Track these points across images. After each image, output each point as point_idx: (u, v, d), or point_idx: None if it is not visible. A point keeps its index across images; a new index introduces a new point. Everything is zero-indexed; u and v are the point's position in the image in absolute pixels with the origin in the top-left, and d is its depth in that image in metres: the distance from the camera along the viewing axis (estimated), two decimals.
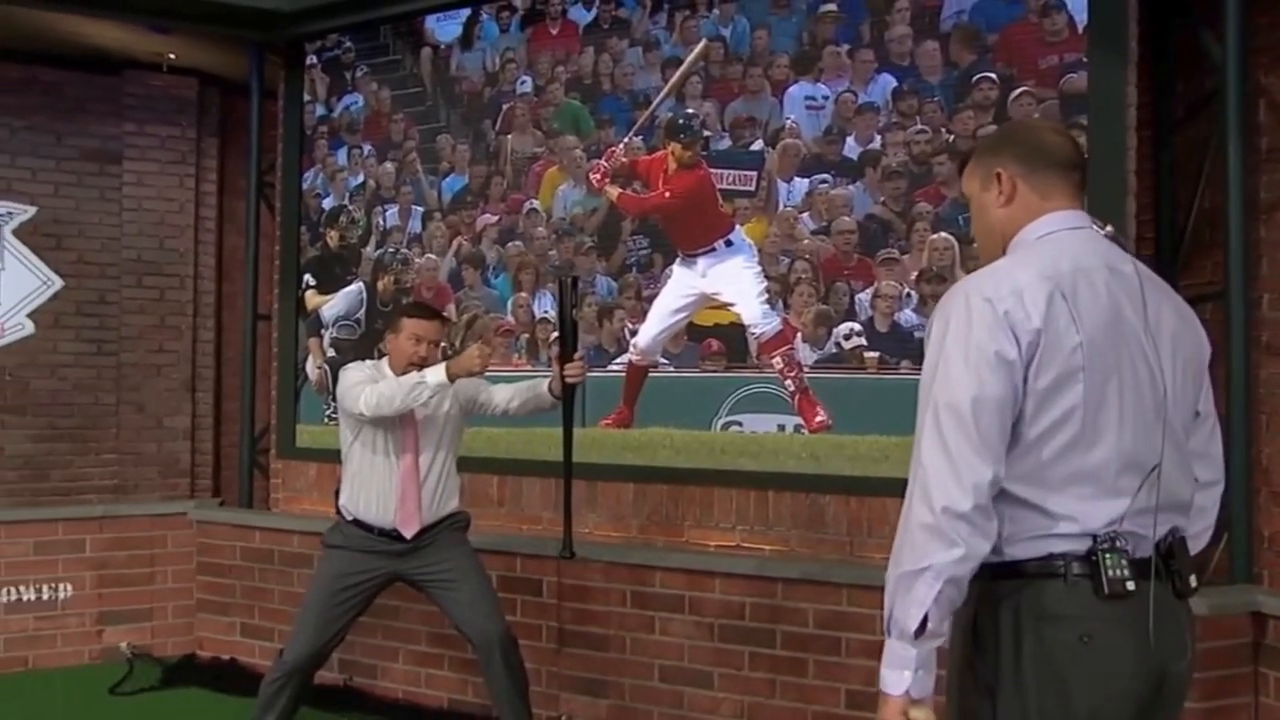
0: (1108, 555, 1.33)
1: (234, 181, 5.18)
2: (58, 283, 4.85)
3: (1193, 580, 1.42)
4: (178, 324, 5.01)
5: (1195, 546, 1.51)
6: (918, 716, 1.32)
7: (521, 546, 3.56)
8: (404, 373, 2.82)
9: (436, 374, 2.69)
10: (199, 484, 5.05)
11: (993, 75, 3.19)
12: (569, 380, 2.78)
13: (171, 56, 4.84)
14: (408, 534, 2.86)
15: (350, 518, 2.92)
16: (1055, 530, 1.35)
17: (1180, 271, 3.33)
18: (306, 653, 2.89)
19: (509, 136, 3.97)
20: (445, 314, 4.00)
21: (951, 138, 3.24)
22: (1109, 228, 1.49)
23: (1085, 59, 3.07)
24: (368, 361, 3.15)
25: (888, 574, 1.36)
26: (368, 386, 2.76)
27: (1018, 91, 3.15)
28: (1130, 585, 1.33)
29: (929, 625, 1.30)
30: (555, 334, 3.03)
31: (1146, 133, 3.40)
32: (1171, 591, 1.39)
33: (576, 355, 2.79)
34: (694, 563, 3.28)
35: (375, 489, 2.88)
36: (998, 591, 1.37)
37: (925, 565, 1.30)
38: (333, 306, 4.30)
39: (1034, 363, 1.33)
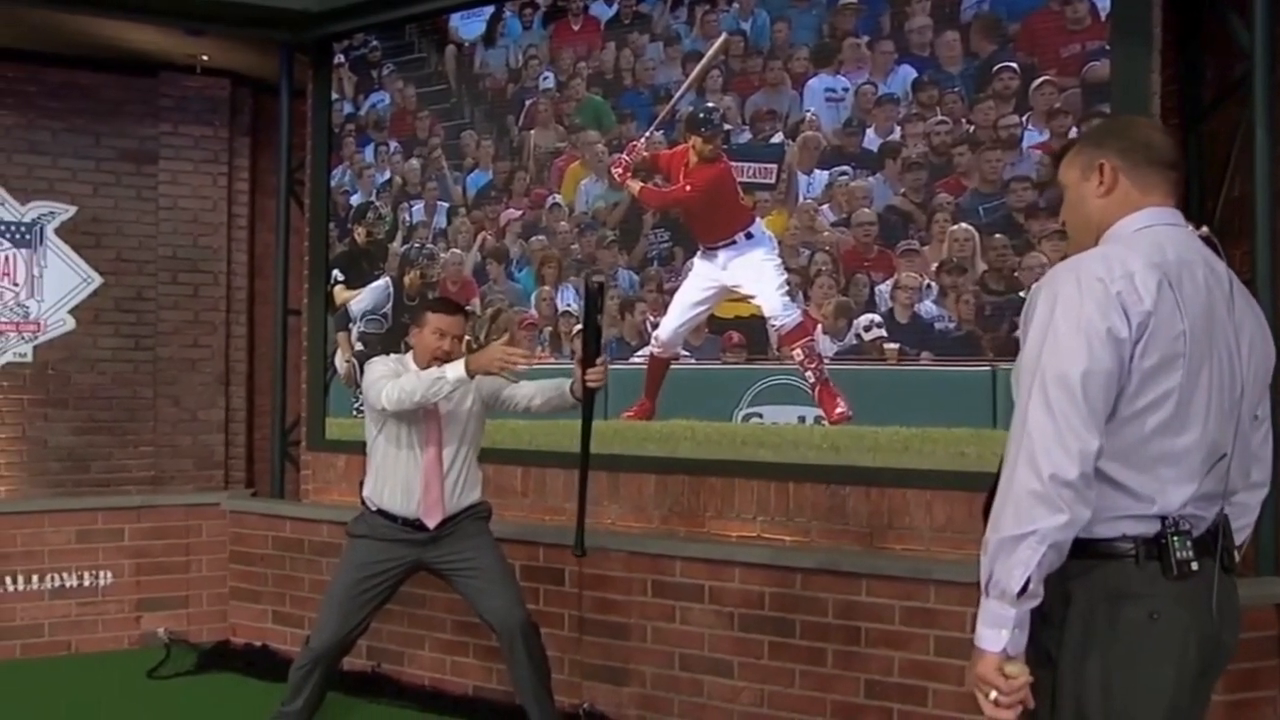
0: (1175, 538, 1.41)
1: (265, 180, 5.29)
2: (97, 280, 4.98)
3: (1237, 557, 1.51)
4: (211, 319, 5.13)
5: (1238, 540, 1.58)
6: (1012, 672, 1.38)
7: (544, 537, 3.61)
8: (427, 367, 2.88)
9: (456, 369, 2.74)
10: (233, 476, 5.17)
11: (1014, 65, 3.17)
12: (590, 385, 2.81)
13: (205, 58, 4.96)
14: (431, 524, 2.92)
15: (374, 508, 2.99)
16: (1135, 511, 1.42)
17: None
18: (331, 640, 2.96)
19: (532, 132, 4.01)
20: (469, 308, 4.08)
21: (972, 128, 3.23)
22: (1204, 228, 1.54)
23: (1108, 47, 3.05)
24: (392, 356, 3.21)
25: (986, 537, 1.42)
26: (390, 381, 2.82)
27: (1039, 81, 3.14)
28: (1194, 565, 1.41)
29: (1030, 586, 1.36)
30: (578, 336, 3.03)
31: (1174, 120, 3.37)
32: (1222, 568, 1.46)
33: (599, 360, 2.81)
34: (714, 552, 3.31)
35: (399, 480, 2.94)
36: (1069, 569, 1.42)
37: (1031, 530, 1.35)
38: (360, 301, 4.38)
39: (1141, 342, 1.39)
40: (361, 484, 3.09)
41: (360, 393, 4.31)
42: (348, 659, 3.89)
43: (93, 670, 3.99)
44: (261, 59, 4.92)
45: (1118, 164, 1.53)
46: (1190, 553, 1.41)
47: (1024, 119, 3.16)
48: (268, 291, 5.32)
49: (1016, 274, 3.15)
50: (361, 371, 4.30)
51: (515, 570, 3.56)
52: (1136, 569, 1.41)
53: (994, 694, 1.38)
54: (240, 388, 5.21)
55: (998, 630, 1.38)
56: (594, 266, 3.86)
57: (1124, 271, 1.40)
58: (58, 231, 4.93)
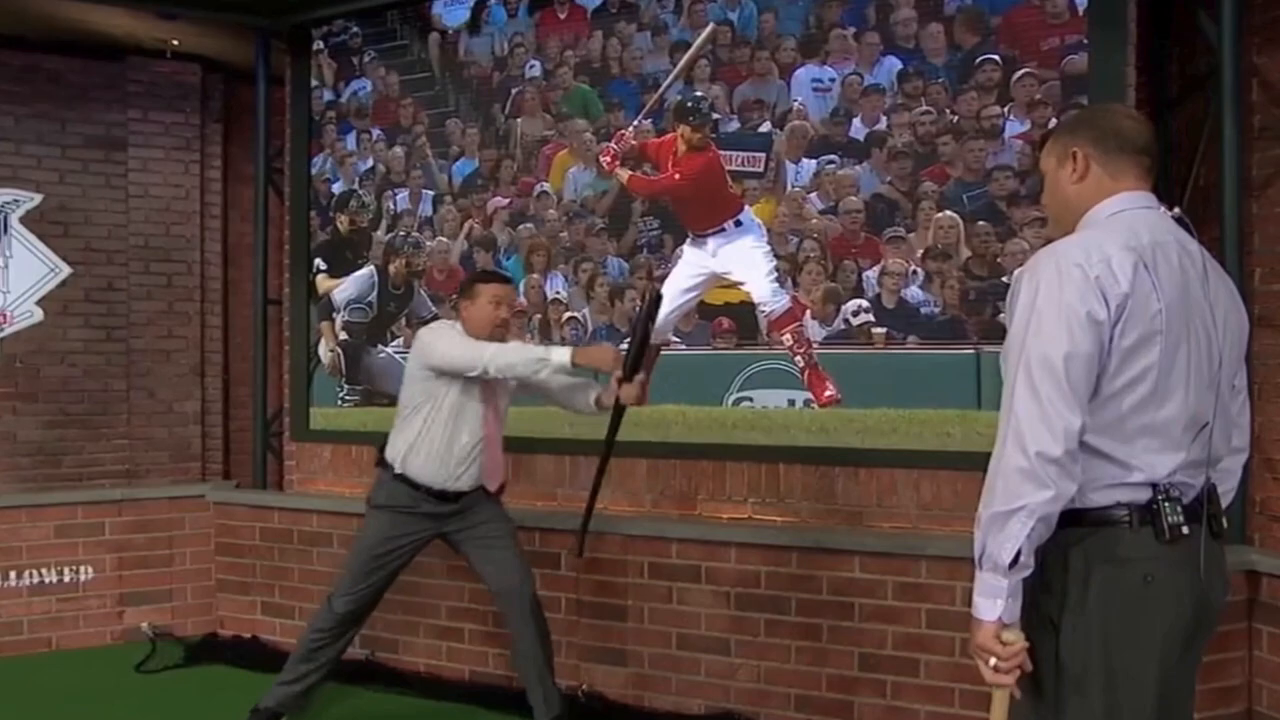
0: (1166, 504, 1.49)
1: (238, 168, 5.21)
2: (65, 270, 4.87)
3: (1224, 523, 1.59)
4: (185, 310, 5.05)
5: (1223, 503, 1.66)
6: (1009, 639, 1.47)
7: (539, 521, 3.64)
8: (490, 337, 2.94)
9: (562, 355, 2.76)
10: (210, 468, 5.11)
11: (996, 57, 3.27)
12: (624, 403, 2.80)
13: (175, 43, 4.86)
14: (492, 487, 3.03)
15: (398, 471, 2.98)
16: (1126, 480, 1.50)
17: None
18: (356, 600, 3.01)
19: (519, 120, 4.02)
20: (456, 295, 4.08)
21: (955, 119, 3.32)
22: (1176, 209, 1.62)
23: (1085, 41, 3.16)
24: (445, 322, 3.24)
25: (978, 513, 1.50)
26: (491, 347, 2.84)
27: (1020, 73, 3.24)
28: (1185, 530, 1.49)
29: (1020, 558, 1.44)
30: (625, 346, 2.85)
31: (1143, 111, 3.50)
32: (1210, 533, 1.54)
33: (637, 377, 2.76)
34: (710, 534, 3.38)
35: (436, 450, 2.96)
36: (1066, 537, 1.49)
37: (1020, 505, 1.43)
38: (344, 290, 4.36)
39: (1120, 323, 1.46)
40: (381, 448, 3.07)
41: (347, 381, 4.33)
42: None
43: (76, 666, 3.94)
44: (234, 44, 4.84)
45: (1090, 151, 1.60)
46: (1181, 518, 1.49)
47: (1006, 110, 3.26)
48: (242, 281, 5.26)
49: (999, 260, 3.26)
50: (349, 360, 4.32)
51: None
52: (1131, 534, 1.49)
53: (993, 661, 1.47)
54: (216, 379, 5.15)
55: (993, 600, 1.46)
56: (583, 254, 3.90)
57: (1101, 256, 1.47)
58: (23, 220, 4.81)
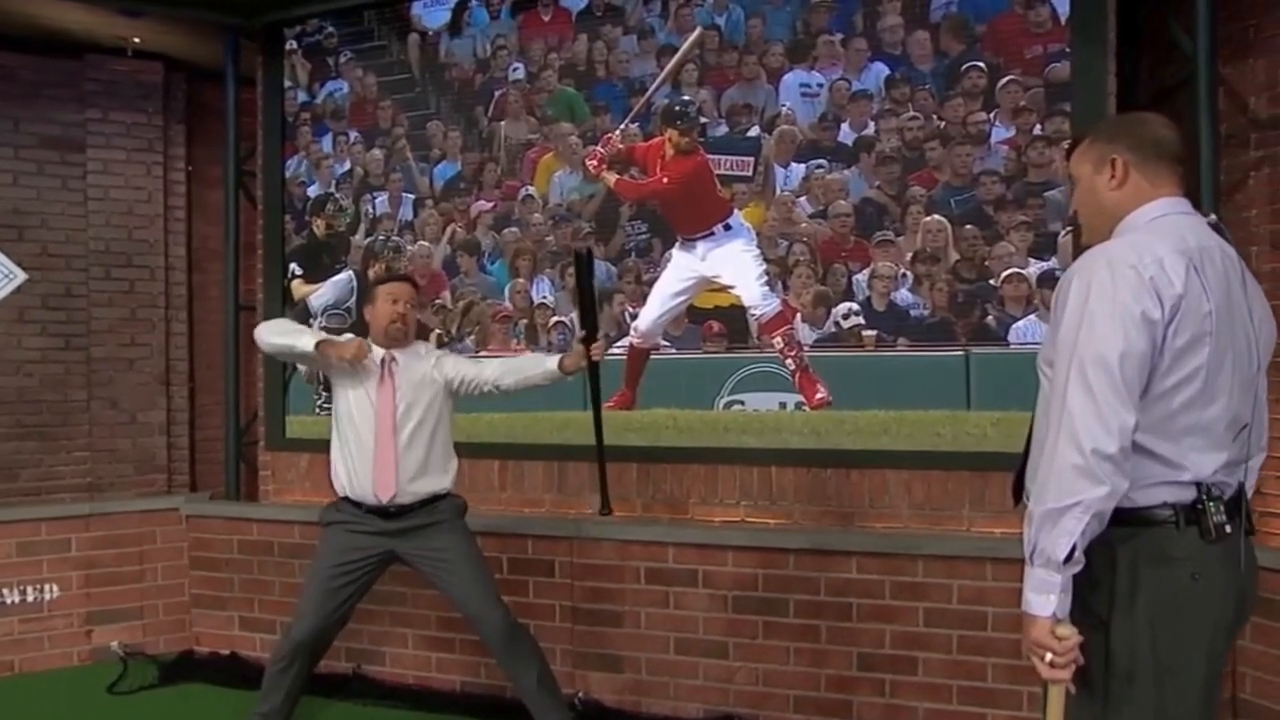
0: (1210, 503, 1.53)
1: (203, 170, 5.06)
2: (21, 276, 4.67)
3: (1253, 521, 1.65)
4: (149, 316, 4.88)
5: None
6: (1064, 633, 1.48)
7: (531, 529, 3.61)
8: (388, 333, 2.89)
9: (308, 341, 2.80)
10: (176, 480, 4.94)
11: (981, 64, 3.34)
12: (596, 359, 2.83)
13: (136, 40, 4.70)
14: (385, 498, 2.86)
15: (341, 494, 2.94)
16: (1173, 478, 1.53)
17: None
18: (311, 628, 2.90)
19: (502, 123, 3.98)
20: (439, 301, 4.04)
21: (942, 124, 3.38)
22: (1212, 216, 1.67)
23: (1068, 49, 3.24)
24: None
25: (1030, 509, 1.51)
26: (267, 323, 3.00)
27: (1005, 80, 3.31)
28: (1227, 529, 1.53)
29: (1074, 554, 1.46)
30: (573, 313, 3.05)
31: None
32: (1245, 530, 1.59)
33: (600, 333, 2.85)
34: (707, 537, 3.39)
35: (352, 461, 2.90)
36: (1113, 535, 1.52)
37: (1074, 501, 1.45)
38: (321, 295, 4.26)
39: (1174, 324, 1.49)
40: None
41: (325, 389, 4.24)
42: (326, 661, 3.82)
43: (43, 690, 3.77)
44: (198, 42, 4.69)
45: (1129, 158, 1.63)
46: (1224, 517, 1.53)
47: (991, 115, 3.33)
48: (208, 286, 5.11)
49: (987, 263, 3.33)
50: None
51: (503, 564, 3.58)
52: (1177, 533, 1.53)
53: (1049, 656, 1.49)
54: (182, 387, 4.98)
55: (1046, 596, 1.48)
56: (570, 259, 3.87)
57: (1154, 258, 1.50)
58: None
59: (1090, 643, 1.54)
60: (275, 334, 2.91)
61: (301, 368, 4.30)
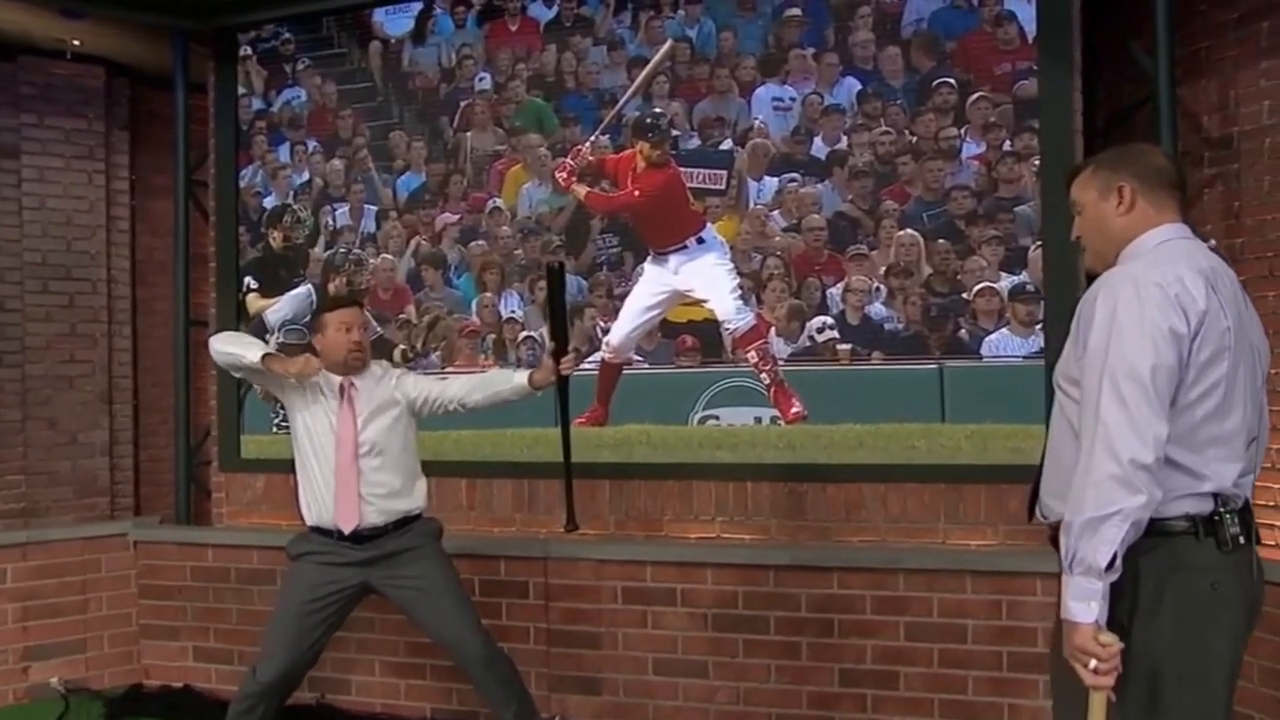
0: (1227, 515, 1.58)
1: (147, 178, 4.86)
2: None
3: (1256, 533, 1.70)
4: (91, 332, 4.65)
5: None
6: (1106, 640, 1.50)
7: (503, 549, 3.52)
8: (347, 363, 2.78)
9: (254, 352, 2.70)
10: (120, 503, 4.71)
11: (951, 80, 3.38)
12: (565, 374, 2.77)
13: (76, 43, 4.49)
14: (346, 529, 2.74)
15: (310, 523, 2.82)
16: (1195, 489, 1.57)
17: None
18: (281, 670, 2.76)
19: (468, 134, 3.90)
20: (402, 316, 3.94)
21: (914, 139, 3.41)
22: (1212, 241, 1.73)
23: (1035, 67, 3.30)
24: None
25: (1067, 520, 1.54)
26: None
27: (975, 96, 3.36)
28: (1242, 540, 1.58)
29: (1115, 561, 1.50)
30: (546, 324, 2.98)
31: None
32: (1252, 540, 1.64)
33: (571, 347, 2.80)
34: (686, 555, 3.34)
35: (317, 489, 2.79)
36: (1136, 546, 1.54)
37: (1115, 510, 1.49)
38: (278, 310, 4.11)
39: (1198, 338, 1.55)
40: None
41: (283, 407, 4.08)
42: None
43: None
44: (143, 46, 4.50)
45: (1136, 186, 1.70)
46: (1238, 528, 1.59)
47: (962, 131, 3.37)
48: (153, 300, 4.90)
49: (959, 276, 3.36)
50: None
51: (475, 585, 3.48)
52: (1197, 544, 1.58)
53: (1094, 663, 1.50)
54: (126, 406, 4.76)
55: (1087, 603, 1.51)
56: (539, 272, 3.80)
57: (1175, 276, 1.56)
58: None
59: None
60: (226, 343, 2.78)
61: (256, 386, 4.13)
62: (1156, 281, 1.55)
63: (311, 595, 2.76)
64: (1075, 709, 1.59)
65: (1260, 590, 1.68)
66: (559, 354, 2.75)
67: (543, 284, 3.78)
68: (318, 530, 2.81)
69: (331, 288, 4.03)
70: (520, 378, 2.84)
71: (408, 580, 2.80)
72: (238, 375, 2.89)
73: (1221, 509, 1.58)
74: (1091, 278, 1.75)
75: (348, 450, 2.75)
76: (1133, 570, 1.57)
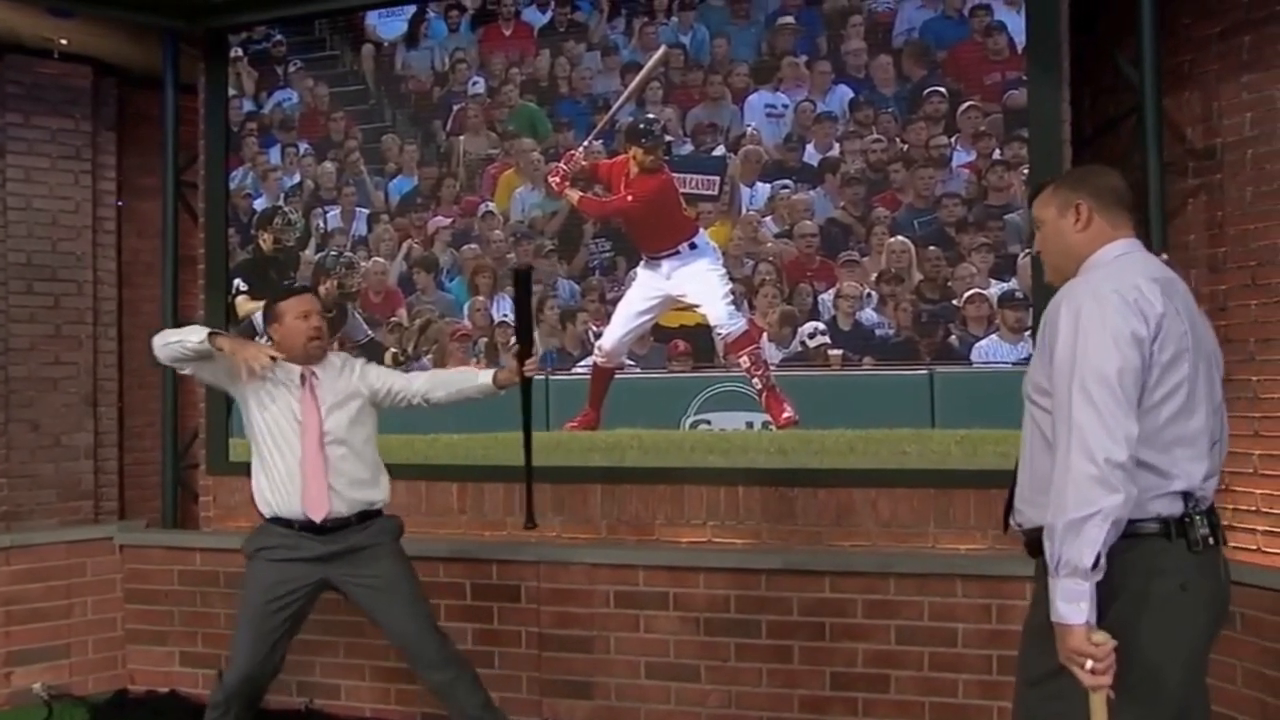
0: (1196, 516, 1.63)
1: (135, 180, 4.82)
2: None
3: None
4: (76, 333, 4.60)
5: None
6: (1100, 639, 1.53)
7: (495, 554, 3.51)
8: (308, 351, 2.78)
9: (198, 333, 2.67)
10: (104, 506, 4.66)
11: (942, 90, 3.42)
12: (529, 375, 2.78)
13: (63, 42, 4.45)
14: (316, 518, 2.72)
15: (269, 514, 2.78)
16: (1165, 489, 1.62)
17: None
18: (245, 672, 2.75)
19: (461, 138, 3.90)
20: (394, 319, 3.94)
21: (905, 147, 3.45)
22: (1164, 255, 1.79)
23: (1024, 77, 3.35)
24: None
25: (1049, 523, 1.57)
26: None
27: (965, 105, 3.40)
28: (1210, 540, 1.63)
29: (1100, 561, 1.53)
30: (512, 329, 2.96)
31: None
32: (1219, 541, 1.72)
33: (534, 351, 2.82)
34: (678, 559, 3.35)
35: (279, 480, 2.75)
36: (1111, 549, 1.57)
37: (1095, 510, 1.53)
38: None
39: (1158, 340, 1.62)
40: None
41: None
42: (277, 696, 3.64)
43: None
44: (130, 46, 4.47)
45: (1093, 204, 1.78)
46: (1206, 529, 1.64)
47: (952, 140, 3.41)
48: (139, 302, 4.86)
49: (949, 283, 3.40)
50: None
51: (467, 589, 3.48)
52: (1168, 545, 1.63)
53: (1089, 663, 1.53)
54: (111, 408, 4.70)
55: (1077, 604, 1.54)
56: (525, 264, 3.79)
57: (1133, 284, 1.64)
58: None
59: None
60: (165, 335, 2.75)
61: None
62: (1115, 289, 1.62)
63: (270, 595, 2.73)
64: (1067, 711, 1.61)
65: (1227, 590, 1.73)
66: (523, 356, 2.77)
67: (535, 287, 3.80)
68: (278, 521, 2.76)
69: (322, 290, 4.01)
70: (485, 377, 2.86)
71: (367, 578, 2.79)
72: (186, 370, 2.81)
73: (1191, 510, 1.63)
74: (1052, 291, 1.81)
75: (313, 438, 2.73)
76: (1113, 577, 1.59)
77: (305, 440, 2.73)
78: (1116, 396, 1.56)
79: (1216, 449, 1.73)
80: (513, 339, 2.95)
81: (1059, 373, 1.63)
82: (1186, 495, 1.63)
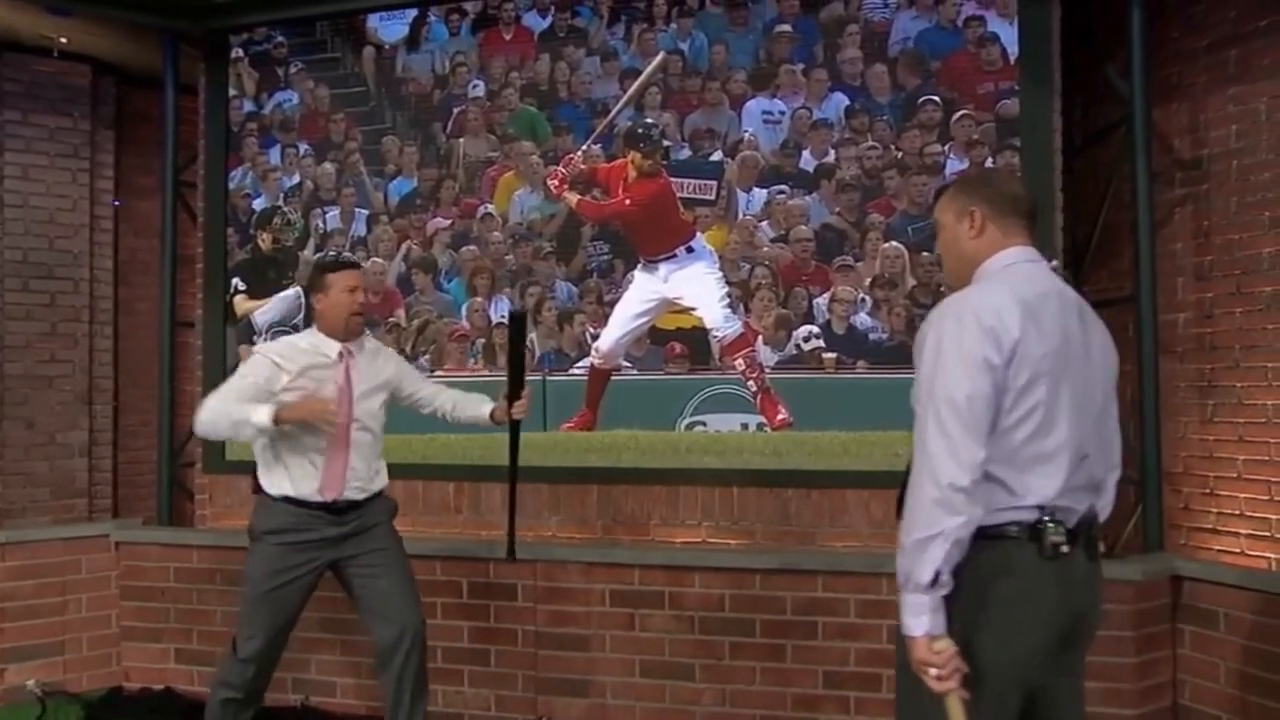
0: (1049, 525, 1.69)
1: (132, 178, 4.83)
2: None
3: (1100, 547, 1.82)
4: (72, 331, 4.60)
5: (1102, 515, 1.87)
6: (940, 647, 1.61)
7: (493, 552, 3.53)
8: (348, 327, 2.80)
9: (262, 417, 2.61)
10: (98, 504, 4.66)
11: (936, 98, 3.48)
12: (516, 417, 2.87)
13: (63, 41, 4.46)
14: (329, 497, 2.76)
15: (279, 494, 2.77)
16: (1017, 503, 1.69)
17: (1084, 279, 3.73)
18: (260, 648, 2.77)
19: (461, 140, 3.93)
20: (392, 319, 3.96)
21: (900, 154, 3.51)
22: (1055, 262, 1.83)
23: (1017, 87, 3.41)
24: (282, 341, 3.00)
25: (901, 541, 1.65)
26: (202, 410, 2.70)
27: (959, 114, 3.46)
28: (1065, 549, 1.69)
29: (940, 578, 1.61)
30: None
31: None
32: (1087, 556, 1.76)
33: (524, 393, 2.87)
34: (673, 558, 3.39)
35: (304, 458, 2.75)
36: (973, 551, 1.66)
37: (937, 531, 1.60)
38: (267, 312, 4.11)
39: (1012, 365, 1.66)
40: (255, 478, 2.87)
41: None
42: (273, 694, 3.65)
43: None
44: (130, 45, 4.49)
45: (987, 211, 1.82)
46: (1062, 538, 1.69)
47: (946, 148, 3.47)
48: (135, 301, 4.87)
49: (942, 289, 3.45)
50: None
51: (463, 587, 3.51)
52: (1017, 550, 1.69)
53: (934, 671, 1.61)
54: (106, 407, 4.71)
55: (919, 618, 1.62)
56: (530, 278, 3.84)
57: (995, 308, 1.67)
58: None
59: None
60: (217, 417, 2.68)
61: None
62: (975, 313, 1.67)
63: (280, 580, 2.75)
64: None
65: (1087, 599, 1.76)
66: (512, 398, 2.85)
67: (532, 289, 3.84)
68: (289, 501, 2.76)
69: None
70: (485, 409, 2.96)
71: (369, 554, 2.82)
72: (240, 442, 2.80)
73: (1046, 519, 1.68)
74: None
75: (343, 422, 2.77)
76: (965, 574, 1.66)
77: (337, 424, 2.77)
78: (964, 422, 1.62)
79: (1087, 463, 1.75)
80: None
81: (920, 392, 1.69)
82: (1040, 508, 1.69)
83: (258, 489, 2.86)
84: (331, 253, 4.05)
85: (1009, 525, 1.68)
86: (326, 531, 2.78)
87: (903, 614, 1.64)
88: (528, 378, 2.92)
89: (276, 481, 2.79)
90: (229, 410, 2.68)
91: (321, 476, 2.75)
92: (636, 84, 3.73)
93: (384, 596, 2.81)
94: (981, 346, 1.63)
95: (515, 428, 2.91)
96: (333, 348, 2.81)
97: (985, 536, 1.66)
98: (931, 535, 1.60)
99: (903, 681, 1.76)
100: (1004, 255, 1.79)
